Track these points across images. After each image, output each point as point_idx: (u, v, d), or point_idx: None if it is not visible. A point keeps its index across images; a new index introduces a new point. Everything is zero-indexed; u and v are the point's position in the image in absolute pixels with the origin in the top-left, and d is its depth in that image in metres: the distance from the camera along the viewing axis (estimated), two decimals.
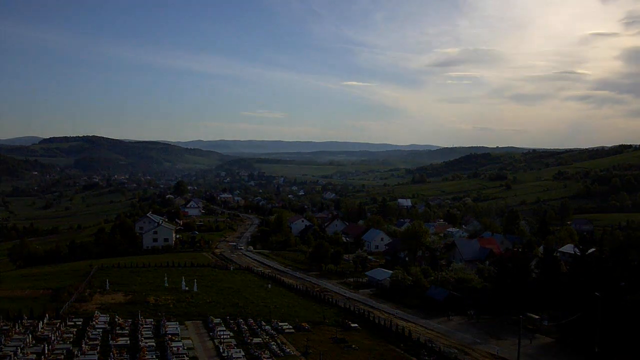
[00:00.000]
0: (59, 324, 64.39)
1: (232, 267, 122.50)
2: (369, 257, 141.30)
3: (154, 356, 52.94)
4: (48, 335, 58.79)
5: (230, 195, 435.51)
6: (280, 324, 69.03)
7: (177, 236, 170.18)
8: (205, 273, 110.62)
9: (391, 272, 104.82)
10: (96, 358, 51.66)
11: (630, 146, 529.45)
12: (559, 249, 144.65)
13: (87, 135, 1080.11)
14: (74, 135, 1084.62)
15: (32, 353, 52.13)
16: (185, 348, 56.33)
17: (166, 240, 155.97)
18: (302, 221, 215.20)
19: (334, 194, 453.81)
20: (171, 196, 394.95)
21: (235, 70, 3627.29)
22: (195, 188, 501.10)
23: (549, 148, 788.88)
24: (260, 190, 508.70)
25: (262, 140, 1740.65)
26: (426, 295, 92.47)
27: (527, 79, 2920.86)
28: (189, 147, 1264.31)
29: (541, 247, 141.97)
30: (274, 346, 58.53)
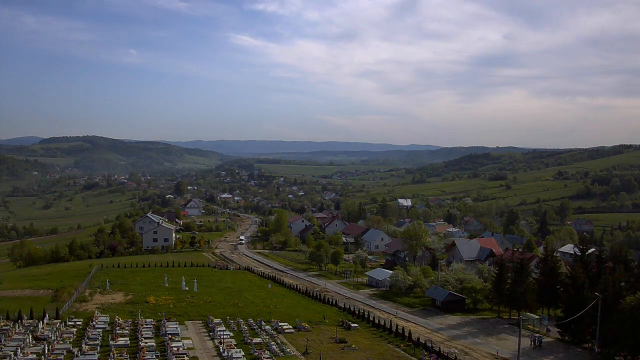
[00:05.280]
0: (59, 324, 64.40)
1: (232, 267, 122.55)
2: (369, 257, 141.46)
3: (154, 356, 52.91)
4: (48, 335, 58.79)
5: (230, 195, 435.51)
6: (280, 324, 69.01)
7: (177, 236, 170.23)
8: (205, 273, 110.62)
9: (391, 272, 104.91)
10: (96, 358, 51.61)
11: (630, 146, 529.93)
12: (559, 249, 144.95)
13: (87, 135, 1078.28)
14: (74, 135, 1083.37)
15: (32, 353, 52.12)
16: (185, 348, 56.32)
17: (166, 240, 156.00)
18: (302, 221, 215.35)
19: (334, 194, 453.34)
20: (171, 196, 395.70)
21: (234, 75, 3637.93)
22: (195, 188, 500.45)
23: (549, 148, 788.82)
24: (260, 190, 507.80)
25: (262, 141, 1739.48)
26: (426, 295, 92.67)
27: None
28: (189, 147, 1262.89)
29: (541, 247, 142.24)
30: (274, 346, 58.54)
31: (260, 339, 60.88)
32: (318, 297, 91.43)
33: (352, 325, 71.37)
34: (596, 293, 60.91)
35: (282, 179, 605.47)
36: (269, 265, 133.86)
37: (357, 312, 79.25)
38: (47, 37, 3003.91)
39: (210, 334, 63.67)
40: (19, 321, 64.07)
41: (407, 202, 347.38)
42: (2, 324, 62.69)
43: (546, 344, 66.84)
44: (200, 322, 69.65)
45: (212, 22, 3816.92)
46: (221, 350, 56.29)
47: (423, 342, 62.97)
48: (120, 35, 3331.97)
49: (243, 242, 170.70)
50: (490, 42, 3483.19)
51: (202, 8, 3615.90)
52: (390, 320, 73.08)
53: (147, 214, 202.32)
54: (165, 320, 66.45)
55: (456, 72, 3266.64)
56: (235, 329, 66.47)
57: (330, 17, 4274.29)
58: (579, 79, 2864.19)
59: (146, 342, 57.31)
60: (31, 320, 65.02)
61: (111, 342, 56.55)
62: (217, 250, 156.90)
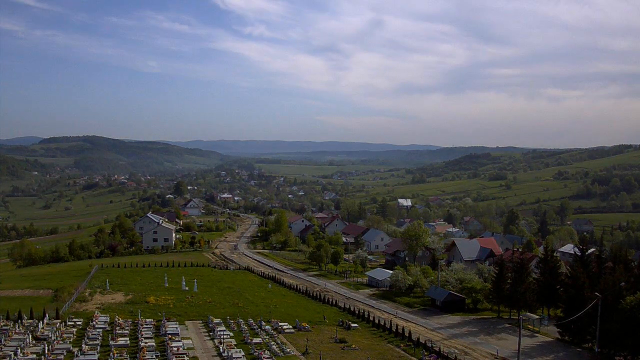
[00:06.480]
0: (59, 324, 64.40)
1: (232, 267, 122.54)
2: (369, 257, 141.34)
3: (154, 356, 52.93)
4: (48, 335, 58.80)
5: (230, 195, 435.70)
6: (280, 324, 69.03)
7: (177, 236, 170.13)
8: (205, 273, 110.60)
9: (391, 272, 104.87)
10: (96, 358, 51.62)
11: (630, 146, 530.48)
12: (559, 249, 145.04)
13: (87, 135, 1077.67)
14: (74, 135, 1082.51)
15: (32, 353, 52.14)
16: (185, 348, 56.33)
17: (166, 240, 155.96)
18: (302, 221, 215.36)
19: (334, 194, 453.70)
20: (171, 196, 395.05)
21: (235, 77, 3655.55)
22: (195, 188, 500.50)
23: (549, 148, 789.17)
24: (260, 190, 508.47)
25: (262, 140, 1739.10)
26: (426, 295, 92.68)
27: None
28: (189, 147, 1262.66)
29: (541, 247, 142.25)
30: (274, 346, 58.54)
31: (260, 339, 60.89)
32: (318, 297, 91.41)
33: (352, 325, 71.36)
34: (596, 293, 60.93)
35: (282, 179, 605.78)
36: (269, 265, 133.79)
37: (357, 312, 79.24)
38: (47, 37, 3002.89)
39: (210, 334, 63.68)
40: (19, 321, 64.07)
41: (407, 202, 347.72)
42: (2, 324, 62.67)
43: (546, 344, 66.89)
44: (200, 322, 69.66)
45: (212, 39, 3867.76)
46: (221, 350, 56.30)
47: (423, 342, 62.98)
48: (121, 35, 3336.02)
49: (240, 247, 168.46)
50: (459, 56, 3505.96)
51: (200, 31, 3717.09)
52: (390, 320, 73.07)
53: (147, 214, 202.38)
54: (165, 320, 66.47)
55: (444, 78, 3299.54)
56: (235, 329, 66.48)
57: (313, 36, 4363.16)
58: (573, 82, 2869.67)
59: (146, 342, 57.31)
60: (31, 320, 65.02)
61: (111, 342, 56.55)
62: (217, 250, 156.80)
